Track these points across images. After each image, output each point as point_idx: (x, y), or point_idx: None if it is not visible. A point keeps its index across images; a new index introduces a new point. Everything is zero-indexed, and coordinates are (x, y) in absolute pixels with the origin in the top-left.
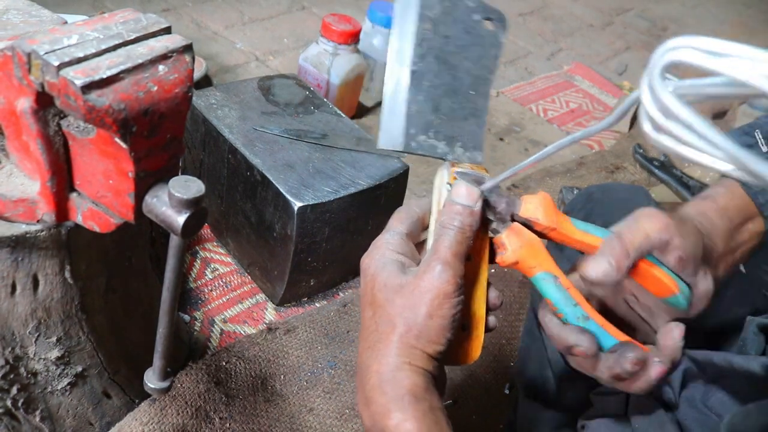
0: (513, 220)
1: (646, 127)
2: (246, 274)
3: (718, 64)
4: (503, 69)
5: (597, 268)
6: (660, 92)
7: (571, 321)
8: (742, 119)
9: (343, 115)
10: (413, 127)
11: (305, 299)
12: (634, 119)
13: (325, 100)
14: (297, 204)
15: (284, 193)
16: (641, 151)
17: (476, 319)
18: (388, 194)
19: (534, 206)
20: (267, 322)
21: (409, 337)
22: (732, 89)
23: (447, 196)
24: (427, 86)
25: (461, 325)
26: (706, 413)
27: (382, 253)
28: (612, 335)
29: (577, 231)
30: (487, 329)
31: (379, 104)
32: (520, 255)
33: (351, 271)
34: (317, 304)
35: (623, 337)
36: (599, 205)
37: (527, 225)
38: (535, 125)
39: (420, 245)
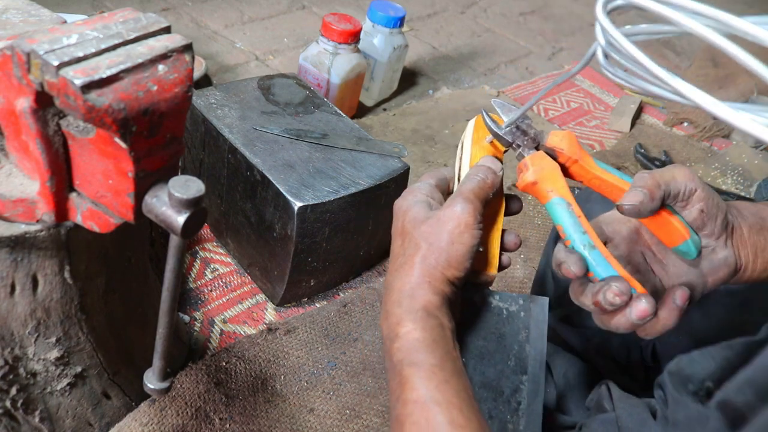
0: (538, 149)
1: (602, 61)
2: (246, 275)
3: (663, 10)
4: (503, 69)
5: (633, 197)
6: (612, 33)
7: (576, 248)
8: None
9: (344, 115)
10: None
11: (305, 299)
12: (635, 119)
13: (325, 99)
14: (297, 204)
15: (284, 193)
16: (642, 150)
17: (491, 255)
18: (388, 194)
19: (559, 138)
20: (267, 322)
21: (431, 258)
22: (669, 30)
23: (474, 161)
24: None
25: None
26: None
27: (414, 195)
28: (614, 268)
29: (598, 168)
30: (501, 267)
31: (379, 104)
32: (539, 176)
33: (351, 271)
34: (317, 305)
35: (624, 273)
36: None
37: (551, 155)
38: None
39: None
